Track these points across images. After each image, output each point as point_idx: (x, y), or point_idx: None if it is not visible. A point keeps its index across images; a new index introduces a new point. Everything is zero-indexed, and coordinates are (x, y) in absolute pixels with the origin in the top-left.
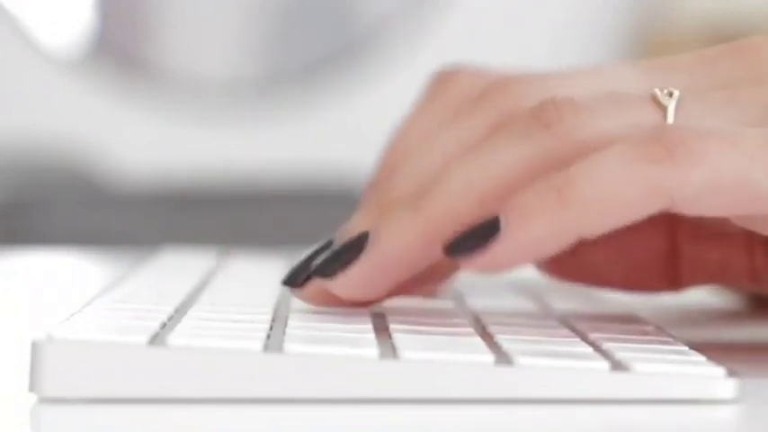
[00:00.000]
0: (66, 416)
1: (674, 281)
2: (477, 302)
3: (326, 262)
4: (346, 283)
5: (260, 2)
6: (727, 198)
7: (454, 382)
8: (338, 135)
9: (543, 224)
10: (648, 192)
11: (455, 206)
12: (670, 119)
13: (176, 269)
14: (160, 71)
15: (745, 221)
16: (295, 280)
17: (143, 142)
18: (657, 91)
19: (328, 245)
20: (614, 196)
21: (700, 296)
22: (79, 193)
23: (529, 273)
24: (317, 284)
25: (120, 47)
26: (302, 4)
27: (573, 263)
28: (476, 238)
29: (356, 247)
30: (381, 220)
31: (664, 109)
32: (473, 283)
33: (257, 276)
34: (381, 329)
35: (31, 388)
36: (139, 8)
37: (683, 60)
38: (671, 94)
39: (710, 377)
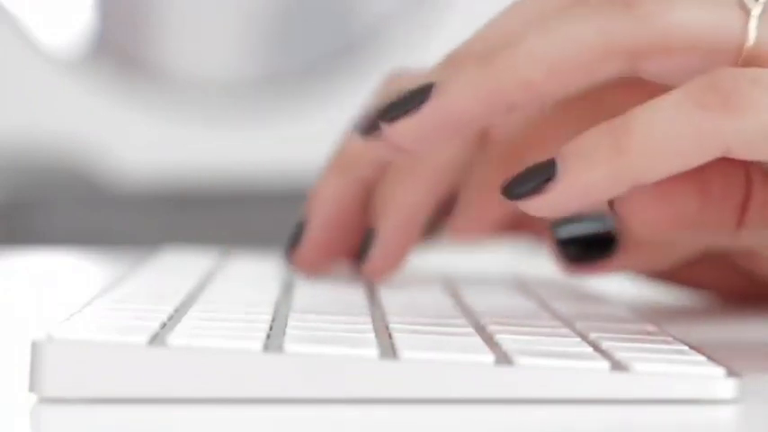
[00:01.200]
0: (67, 416)
1: (741, 221)
2: (477, 302)
3: (390, 106)
4: (405, 131)
5: (260, 2)
6: None
7: (454, 382)
8: (338, 135)
9: (600, 170)
10: (704, 139)
11: (521, 70)
12: (753, 25)
13: (176, 269)
14: (160, 71)
15: None
16: (387, 115)
17: (143, 142)
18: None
19: (426, 90)
20: (671, 144)
21: (699, 296)
22: (79, 193)
23: (529, 273)
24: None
25: (120, 47)
26: (302, 5)
27: (659, 209)
28: (532, 180)
29: (421, 96)
30: (449, 73)
31: (747, 13)
32: (473, 283)
33: (257, 276)
34: (381, 329)
35: (31, 388)
36: (139, 8)
37: None
38: None
39: (710, 377)
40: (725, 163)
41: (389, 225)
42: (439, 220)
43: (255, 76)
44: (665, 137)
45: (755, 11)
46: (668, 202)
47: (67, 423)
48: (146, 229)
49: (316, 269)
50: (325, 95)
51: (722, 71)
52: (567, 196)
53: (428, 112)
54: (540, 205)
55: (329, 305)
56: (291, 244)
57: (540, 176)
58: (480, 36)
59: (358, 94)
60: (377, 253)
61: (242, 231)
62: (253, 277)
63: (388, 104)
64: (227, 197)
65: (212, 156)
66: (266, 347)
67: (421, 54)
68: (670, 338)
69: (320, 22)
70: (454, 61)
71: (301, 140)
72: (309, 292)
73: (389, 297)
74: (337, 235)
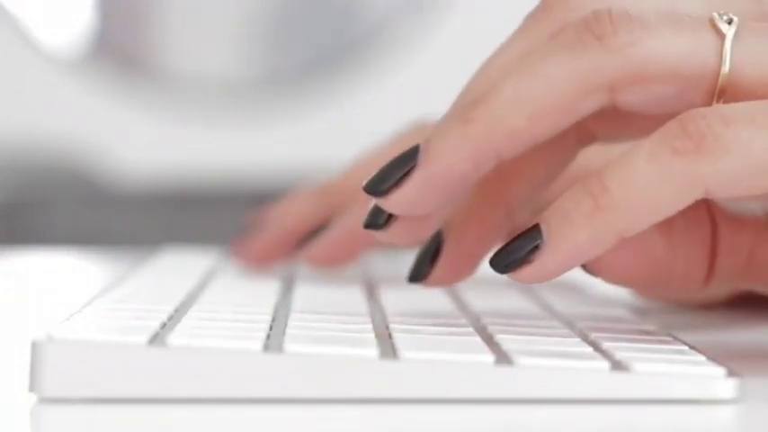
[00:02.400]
0: (67, 416)
1: (708, 275)
2: (477, 302)
3: (378, 179)
4: (398, 200)
5: (260, 2)
6: (761, 178)
7: (454, 382)
8: (338, 135)
9: (584, 231)
10: (682, 186)
11: (503, 120)
12: (727, 48)
13: (176, 269)
14: (160, 71)
15: None
16: (380, 189)
17: (143, 142)
18: (716, 15)
19: (412, 155)
20: (649, 196)
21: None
22: (79, 193)
23: None
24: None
25: (120, 47)
26: (302, 5)
27: (635, 262)
28: (520, 249)
29: (408, 162)
30: (433, 136)
31: (722, 37)
32: (473, 283)
33: (257, 276)
34: (381, 329)
35: (31, 388)
36: (139, 8)
37: None
38: (730, 21)
39: (710, 377)
40: (689, 211)
41: (342, 223)
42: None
43: (255, 76)
44: (643, 190)
45: (729, 33)
46: (636, 253)
47: (67, 423)
48: (146, 229)
49: (256, 266)
50: (325, 95)
51: (691, 113)
52: (556, 262)
53: (418, 178)
54: (531, 274)
55: (329, 305)
56: (241, 236)
57: (526, 246)
58: (465, 90)
59: (358, 95)
60: (323, 242)
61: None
62: (253, 277)
63: (375, 178)
64: (227, 197)
65: (212, 156)
66: (266, 347)
67: (421, 54)
68: (670, 338)
69: (320, 22)
70: (440, 122)
71: (301, 140)
72: (309, 292)
73: (389, 297)
74: (291, 246)
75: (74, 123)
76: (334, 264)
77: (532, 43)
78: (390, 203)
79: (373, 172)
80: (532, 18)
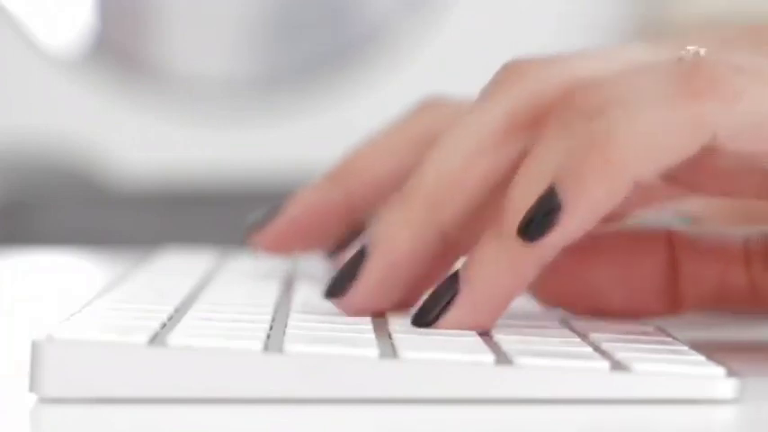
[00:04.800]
0: (67, 416)
1: (674, 303)
2: None
3: (334, 282)
4: (355, 300)
5: (260, 2)
6: (766, 134)
7: (454, 382)
8: (338, 135)
9: (599, 187)
10: (693, 128)
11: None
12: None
13: (176, 269)
14: (160, 71)
15: None
16: (336, 291)
17: (143, 142)
18: (684, 52)
19: (362, 255)
20: (659, 139)
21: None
22: (79, 193)
23: None
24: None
25: (120, 47)
26: (302, 5)
27: (571, 289)
28: (541, 216)
29: (358, 260)
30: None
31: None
32: None
33: (257, 276)
34: (381, 329)
35: (31, 388)
36: (139, 8)
37: (700, 35)
38: (698, 53)
39: (710, 377)
40: (642, 242)
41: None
42: None
43: (255, 75)
44: (654, 132)
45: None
46: (570, 279)
47: (67, 423)
48: (146, 229)
49: (274, 252)
50: (324, 95)
51: (703, 59)
52: (578, 222)
53: (374, 270)
54: (558, 237)
55: (329, 305)
56: (259, 223)
57: (545, 212)
58: (424, 172)
59: (358, 95)
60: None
61: (242, 231)
62: (253, 277)
63: (332, 281)
64: (227, 197)
65: (212, 155)
66: (266, 347)
67: (421, 54)
68: (670, 338)
69: (320, 22)
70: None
71: (301, 140)
72: (309, 292)
73: None
74: (305, 233)
75: (74, 123)
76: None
77: (494, 117)
78: (347, 306)
79: (381, 153)
80: (492, 91)
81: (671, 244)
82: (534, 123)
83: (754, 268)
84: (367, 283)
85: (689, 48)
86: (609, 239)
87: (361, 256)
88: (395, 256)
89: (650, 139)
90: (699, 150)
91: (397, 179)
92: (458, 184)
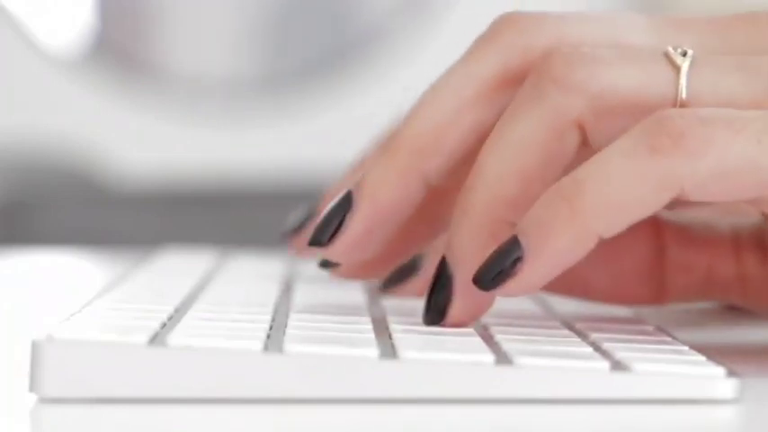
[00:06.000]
0: (67, 416)
1: (660, 291)
2: None
3: (319, 230)
4: (341, 249)
5: (259, 2)
6: (735, 183)
7: (454, 382)
8: (338, 135)
9: (563, 237)
10: (658, 184)
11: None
12: (683, 80)
13: (176, 269)
14: (160, 71)
15: (756, 204)
16: (320, 239)
17: (143, 142)
18: (671, 49)
19: (346, 201)
20: (625, 195)
21: None
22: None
23: None
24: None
25: (120, 47)
26: (302, 5)
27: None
28: (501, 264)
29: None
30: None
31: (677, 68)
32: None
33: (257, 276)
34: (381, 329)
35: (31, 388)
36: (139, 8)
37: (697, 21)
38: (684, 54)
39: (710, 377)
40: (629, 229)
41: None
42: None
43: (255, 75)
44: (619, 189)
45: (684, 66)
46: (574, 276)
47: (67, 423)
48: (146, 229)
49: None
50: (325, 95)
51: (669, 112)
52: (540, 271)
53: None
54: (516, 287)
55: (329, 305)
56: (297, 227)
57: (507, 259)
58: (414, 119)
59: (358, 95)
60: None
61: (242, 231)
62: (253, 277)
63: (316, 229)
64: (227, 197)
65: (212, 156)
66: (266, 347)
67: (420, 54)
68: (670, 338)
69: (320, 21)
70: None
71: (301, 140)
72: (309, 292)
73: (389, 297)
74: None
75: (74, 123)
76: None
77: (484, 66)
78: (333, 254)
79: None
80: (483, 41)
81: (658, 231)
82: (524, 78)
83: (743, 258)
84: (353, 233)
85: (676, 48)
86: None
87: (345, 205)
88: (380, 205)
89: (617, 194)
90: (667, 203)
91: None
92: (444, 135)
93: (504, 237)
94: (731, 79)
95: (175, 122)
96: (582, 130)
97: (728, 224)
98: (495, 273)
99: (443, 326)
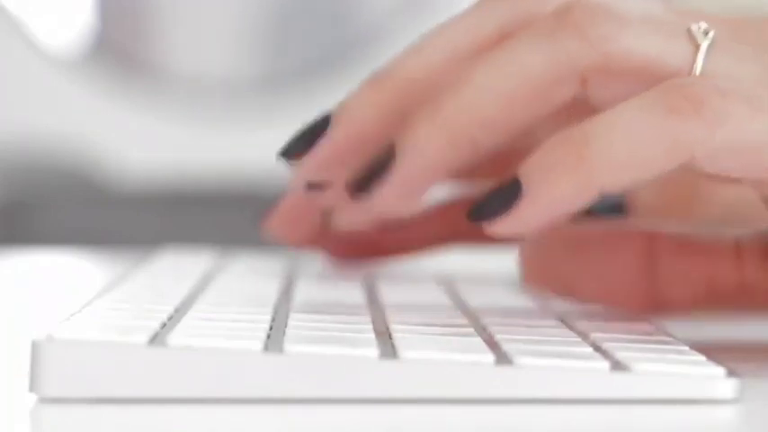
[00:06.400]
0: (67, 416)
1: (654, 301)
2: (477, 302)
3: (292, 144)
4: (384, 200)
5: (259, 2)
6: (746, 160)
7: (454, 382)
8: None
9: (565, 183)
10: (671, 145)
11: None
12: (700, 57)
13: (176, 269)
14: (160, 71)
15: (758, 186)
16: (291, 150)
17: (143, 142)
18: (694, 26)
19: (324, 123)
20: (636, 150)
21: None
22: (79, 193)
23: None
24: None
25: (120, 47)
26: (302, 5)
27: (549, 273)
28: (499, 201)
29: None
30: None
31: (696, 46)
32: (473, 283)
33: (257, 276)
34: (381, 329)
35: (31, 388)
36: (139, 8)
37: (712, 17)
38: (706, 33)
39: (710, 377)
40: (622, 242)
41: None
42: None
43: (255, 75)
44: (629, 144)
45: (704, 44)
46: (540, 264)
47: (67, 423)
48: (146, 229)
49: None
50: (324, 95)
51: (689, 78)
52: (535, 213)
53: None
54: (510, 224)
55: (329, 305)
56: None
57: (505, 197)
58: (409, 56)
59: None
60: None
61: (242, 231)
62: (253, 277)
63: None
64: (227, 197)
65: (212, 156)
66: (266, 347)
67: None
68: (670, 338)
69: (320, 21)
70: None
71: None
72: (309, 292)
73: (389, 297)
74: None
75: (74, 123)
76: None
77: (486, 21)
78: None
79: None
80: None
81: (650, 244)
82: None
83: (745, 265)
84: (324, 149)
85: (700, 24)
86: (588, 235)
87: (323, 123)
88: (357, 131)
89: (627, 149)
90: (675, 168)
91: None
92: (431, 81)
93: (461, 150)
94: (746, 68)
95: (175, 122)
96: (583, 83)
97: (731, 234)
98: (490, 207)
99: (367, 201)
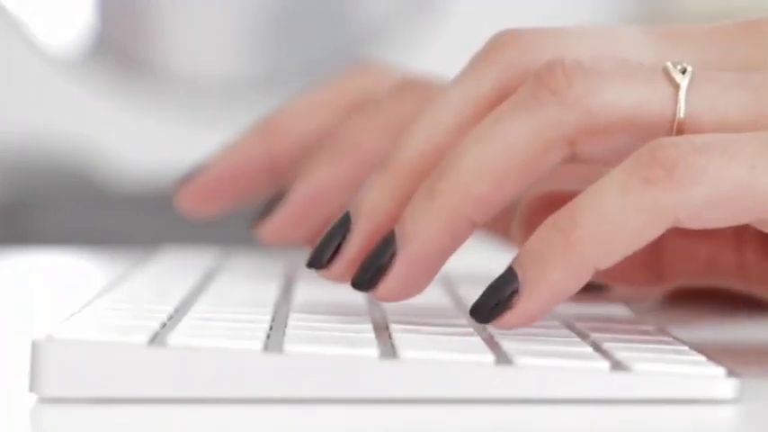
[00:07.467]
0: (67, 416)
1: (657, 275)
2: None
3: (318, 252)
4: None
5: (259, 2)
6: (732, 209)
7: (454, 382)
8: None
9: (559, 270)
10: (653, 215)
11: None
12: (682, 98)
13: (176, 269)
14: (160, 71)
15: (757, 225)
16: (320, 260)
17: (143, 142)
18: (670, 65)
19: (345, 221)
20: (620, 228)
21: (699, 296)
22: (79, 193)
23: None
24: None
25: (120, 47)
26: (302, 5)
27: None
28: (497, 298)
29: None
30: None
31: (676, 86)
32: (473, 283)
33: (257, 276)
34: (381, 329)
35: (31, 388)
36: (139, 8)
37: (696, 33)
38: (684, 71)
39: (710, 377)
40: None
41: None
42: None
43: (255, 75)
44: (613, 221)
45: (684, 82)
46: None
47: (67, 423)
48: (146, 229)
49: (199, 207)
50: None
51: (663, 141)
52: (537, 304)
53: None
54: (515, 319)
55: (329, 305)
56: (186, 180)
57: (503, 292)
58: (412, 137)
59: None
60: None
61: (242, 231)
62: (253, 277)
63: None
64: None
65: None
66: (266, 347)
67: (421, 55)
68: (670, 338)
69: (319, 21)
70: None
71: None
72: (309, 292)
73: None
74: (228, 189)
75: (73, 123)
76: (294, 237)
77: (483, 84)
78: (381, 293)
79: (307, 112)
80: (482, 59)
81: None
82: None
83: (745, 247)
84: (351, 252)
85: (676, 64)
86: None
87: (343, 225)
88: (378, 224)
89: (612, 227)
90: (663, 232)
91: (319, 139)
92: (437, 160)
93: (460, 232)
94: (730, 97)
95: (175, 122)
96: (571, 146)
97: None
98: (491, 305)
99: (372, 294)
